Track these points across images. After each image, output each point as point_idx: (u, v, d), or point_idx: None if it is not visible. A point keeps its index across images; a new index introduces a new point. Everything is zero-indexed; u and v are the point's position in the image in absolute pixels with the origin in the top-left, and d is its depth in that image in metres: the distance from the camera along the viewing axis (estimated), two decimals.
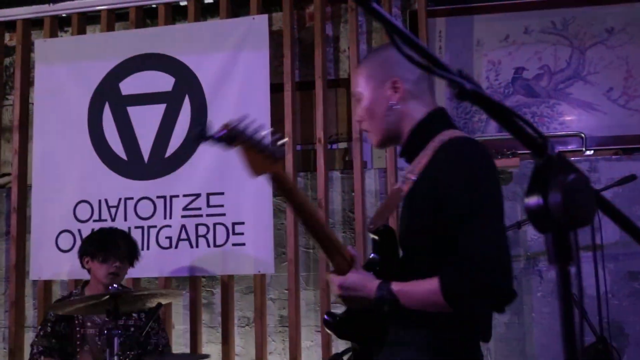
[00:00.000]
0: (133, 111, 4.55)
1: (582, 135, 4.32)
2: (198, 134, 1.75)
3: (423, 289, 1.84)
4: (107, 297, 3.09)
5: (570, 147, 4.33)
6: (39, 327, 3.90)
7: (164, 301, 3.27)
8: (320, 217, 2.02)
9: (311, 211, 1.93)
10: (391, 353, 1.95)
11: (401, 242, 2.01)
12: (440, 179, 1.87)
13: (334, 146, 4.60)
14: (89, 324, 3.78)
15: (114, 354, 2.95)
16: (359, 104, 2.13)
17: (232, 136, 1.75)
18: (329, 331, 2.04)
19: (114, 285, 3.19)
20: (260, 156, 1.78)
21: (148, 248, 4.36)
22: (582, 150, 4.32)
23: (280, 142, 1.81)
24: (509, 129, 1.15)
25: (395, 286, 1.89)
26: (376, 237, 2.02)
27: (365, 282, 1.93)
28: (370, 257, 2.04)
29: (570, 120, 4.38)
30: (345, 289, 1.94)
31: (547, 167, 1.10)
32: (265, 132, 1.80)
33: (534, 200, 1.08)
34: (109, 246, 3.74)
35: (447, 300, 1.79)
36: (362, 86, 2.12)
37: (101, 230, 3.96)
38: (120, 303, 3.09)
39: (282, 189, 1.89)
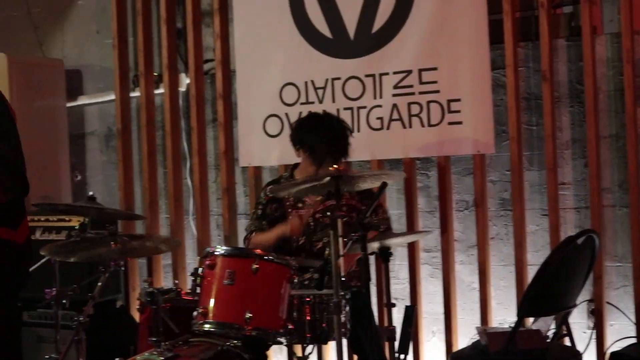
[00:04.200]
0: None
1: None
2: None
3: None
4: (328, 178, 3.20)
5: None
6: (252, 211, 4.15)
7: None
8: None
9: None
10: None
11: None
12: None
13: (558, 10, 4.40)
14: (300, 205, 3.96)
15: (338, 236, 3.07)
16: None
17: None
18: None
19: (334, 165, 3.29)
20: None
21: (358, 130, 4.44)
22: None
23: None
24: None
25: None
26: None
27: None
28: None
29: None
30: None
31: None
32: None
33: None
34: (313, 152, 3.87)
35: None
36: None
37: (311, 125, 3.99)
38: (340, 184, 3.18)
39: None
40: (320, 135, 3.87)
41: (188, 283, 4.67)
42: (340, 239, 3.08)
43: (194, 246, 5.11)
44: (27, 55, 5.74)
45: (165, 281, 5.15)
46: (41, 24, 5.89)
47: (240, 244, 4.84)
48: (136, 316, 4.52)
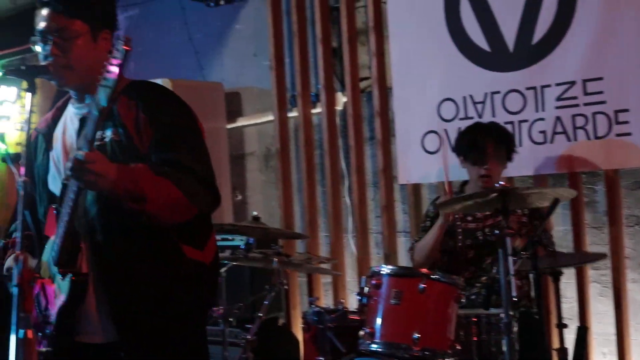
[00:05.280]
0: None
1: None
2: None
3: None
4: (495, 194, 3.12)
5: None
6: (421, 224, 4.13)
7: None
8: None
9: None
10: None
11: None
12: None
13: None
14: (469, 218, 3.91)
15: (507, 255, 2.98)
16: None
17: None
18: None
19: (500, 182, 3.21)
20: None
21: (520, 144, 4.31)
22: None
23: None
24: None
25: None
26: None
27: None
28: None
29: None
30: None
31: None
32: None
33: None
34: (476, 148, 3.84)
35: None
36: None
37: (471, 128, 4.02)
38: (508, 201, 3.10)
39: None
40: (483, 134, 3.86)
41: (349, 301, 4.69)
42: (510, 258, 2.99)
43: (354, 264, 5.11)
44: (189, 79, 5.93)
45: (325, 299, 5.17)
46: (201, 49, 6.09)
47: (400, 262, 4.82)
48: (298, 334, 4.57)
